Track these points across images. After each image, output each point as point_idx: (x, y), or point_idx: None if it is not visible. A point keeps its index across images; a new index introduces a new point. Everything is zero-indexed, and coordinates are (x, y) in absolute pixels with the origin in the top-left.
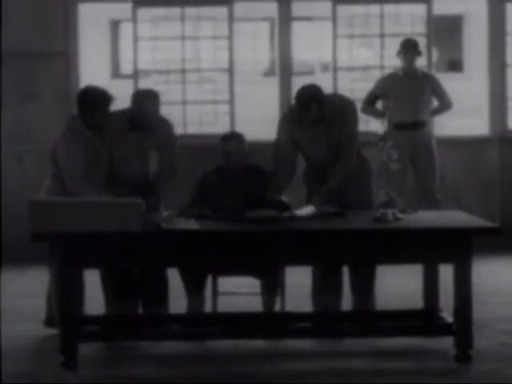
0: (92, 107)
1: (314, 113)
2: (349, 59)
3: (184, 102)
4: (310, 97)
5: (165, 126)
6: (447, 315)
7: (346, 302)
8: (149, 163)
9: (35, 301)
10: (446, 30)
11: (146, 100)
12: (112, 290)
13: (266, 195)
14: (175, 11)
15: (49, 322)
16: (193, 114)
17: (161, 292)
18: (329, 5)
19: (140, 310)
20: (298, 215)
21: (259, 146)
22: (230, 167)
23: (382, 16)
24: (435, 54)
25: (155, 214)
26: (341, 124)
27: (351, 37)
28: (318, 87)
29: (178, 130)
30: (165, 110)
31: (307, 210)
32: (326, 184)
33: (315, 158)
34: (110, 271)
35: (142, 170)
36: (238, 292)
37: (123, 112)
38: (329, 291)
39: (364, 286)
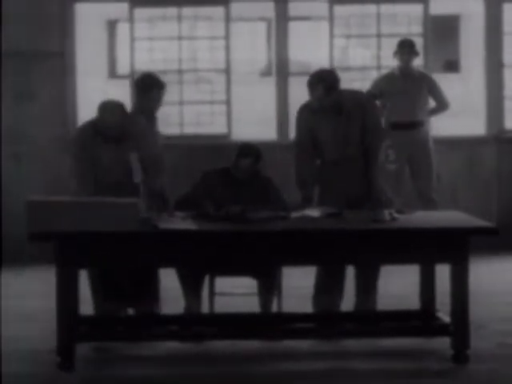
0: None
1: (320, 94)
2: (345, 59)
3: (181, 103)
4: (318, 76)
5: (134, 127)
6: (444, 316)
7: (347, 303)
8: (131, 166)
9: (34, 301)
10: (443, 30)
11: (104, 111)
12: (100, 291)
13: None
14: (172, 11)
15: None
16: (190, 114)
17: (153, 293)
18: (325, 5)
19: (132, 312)
20: (294, 216)
21: None
22: (236, 177)
23: (378, 16)
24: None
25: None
26: (363, 113)
27: (348, 37)
28: (330, 71)
29: (175, 130)
30: (162, 111)
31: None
32: (371, 168)
33: (331, 154)
34: (98, 272)
35: (125, 175)
36: (235, 292)
37: (92, 124)
38: (331, 292)
39: (367, 285)
